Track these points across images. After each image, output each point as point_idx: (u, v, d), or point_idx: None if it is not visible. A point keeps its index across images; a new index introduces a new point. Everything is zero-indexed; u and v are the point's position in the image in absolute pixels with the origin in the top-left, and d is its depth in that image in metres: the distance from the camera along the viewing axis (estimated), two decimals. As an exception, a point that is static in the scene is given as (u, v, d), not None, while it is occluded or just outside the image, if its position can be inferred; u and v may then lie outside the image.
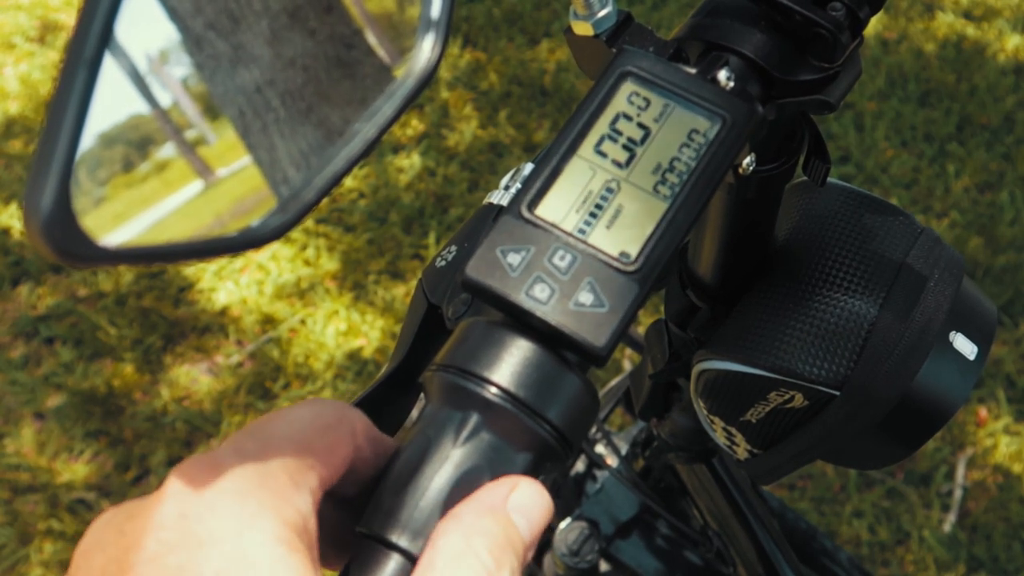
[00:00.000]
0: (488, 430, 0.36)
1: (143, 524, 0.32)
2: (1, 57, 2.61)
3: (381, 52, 0.42)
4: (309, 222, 2.13)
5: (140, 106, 0.35)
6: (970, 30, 2.45)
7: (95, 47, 0.29)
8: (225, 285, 2.05)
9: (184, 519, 0.31)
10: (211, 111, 0.39)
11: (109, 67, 0.31)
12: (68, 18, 2.68)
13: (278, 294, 2.03)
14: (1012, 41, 2.42)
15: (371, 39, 0.43)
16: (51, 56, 2.62)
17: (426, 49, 0.38)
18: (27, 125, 2.42)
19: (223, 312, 2.01)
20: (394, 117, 0.37)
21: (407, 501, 0.35)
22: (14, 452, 1.83)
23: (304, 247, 2.10)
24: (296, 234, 2.12)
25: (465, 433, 0.36)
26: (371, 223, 2.13)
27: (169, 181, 0.37)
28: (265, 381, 1.90)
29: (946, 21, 2.47)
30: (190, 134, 0.38)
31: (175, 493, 0.32)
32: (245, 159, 0.39)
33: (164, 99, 0.36)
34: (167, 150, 0.37)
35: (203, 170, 0.38)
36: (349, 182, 2.21)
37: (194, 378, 1.93)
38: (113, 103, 0.33)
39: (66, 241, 0.29)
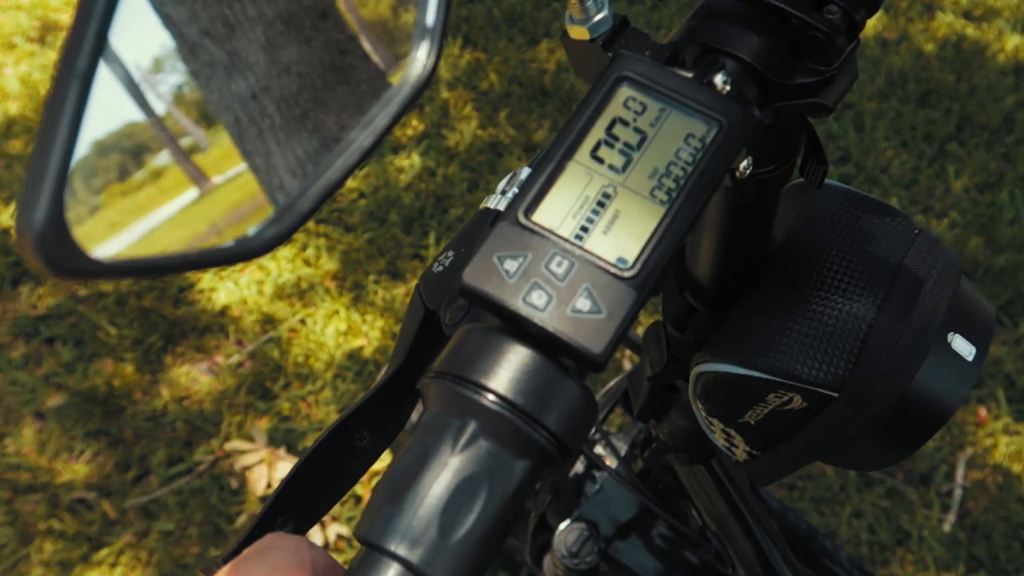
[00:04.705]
0: (486, 437, 0.36)
1: None
2: (1, 57, 2.61)
3: (376, 58, 0.42)
4: (309, 222, 2.13)
5: (135, 114, 0.35)
6: (970, 30, 2.45)
7: (88, 60, 0.29)
8: (225, 285, 2.05)
9: None
10: (206, 118, 0.38)
11: (104, 75, 0.31)
12: (68, 18, 2.68)
13: (278, 294, 2.03)
14: (1012, 41, 2.42)
15: (366, 45, 0.43)
16: (51, 56, 2.62)
17: (421, 57, 0.38)
18: (27, 125, 2.42)
19: (223, 312, 2.01)
20: (390, 125, 0.37)
21: (405, 509, 0.35)
22: (14, 452, 1.83)
23: (304, 247, 2.10)
24: (296, 234, 2.12)
25: (463, 441, 0.36)
26: (371, 223, 2.13)
27: (165, 189, 0.36)
28: (265, 381, 1.90)
29: (946, 21, 2.47)
30: (185, 141, 0.38)
31: None
32: (241, 166, 0.39)
33: (159, 107, 0.36)
34: (162, 158, 0.37)
35: (198, 177, 0.38)
36: (349, 182, 2.20)
37: (194, 378, 1.93)
38: (108, 111, 0.33)
39: (60, 256, 0.29)
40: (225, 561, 0.47)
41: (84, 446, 1.84)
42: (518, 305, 0.37)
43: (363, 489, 1.73)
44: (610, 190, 0.40)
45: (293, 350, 1.94)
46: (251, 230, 0.36)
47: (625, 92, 0.42)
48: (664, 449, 0.87)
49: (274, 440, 1.81)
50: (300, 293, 2.03)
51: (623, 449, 1.05)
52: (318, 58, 0.41)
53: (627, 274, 0.38)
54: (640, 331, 1.26)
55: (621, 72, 0.42)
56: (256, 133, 0.39)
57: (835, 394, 0.54)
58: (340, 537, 1.70)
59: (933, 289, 0.55)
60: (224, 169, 0.38)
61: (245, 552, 0.38)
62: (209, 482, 1.77)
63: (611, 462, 1.03)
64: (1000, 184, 2.13)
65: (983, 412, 1.79)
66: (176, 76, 0.37)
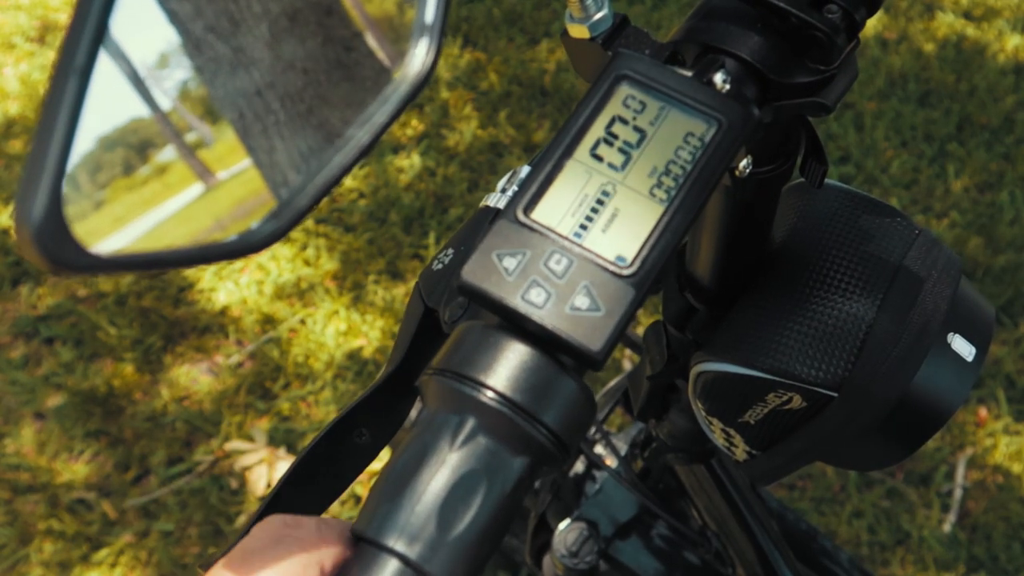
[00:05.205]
0: (484, 434, 0.36)
1: None
2: (1, 57, 2.61)
3: (381, 54, 0.42)
4: (309, 222, 2.13)
5: (140, 109, 0.35)
6: (970, 30, 2.45)
7: (86, 55, 0.29)
8: (225, 285, 2.05)
9: None
10: (211, 114, 0.39)
11: (109, 70, 0.31)
12: (68, 18, 2.67)
13: (278, 294, 2.03)
14: (1012, 41, 2.42)
15: (371, 41, 0.43)
16: (51, 56, 2.62)
17: (420, 54, 0.38)
18: (27, 125, 2.43)
19: (223, 312, 2.01)
20: (388, 123, 0.37)
21: (404, 506, 0.35)
22: (14, 452, 1.83)
23: (304, 247, 2.10)
24: (296, 234, 2.12)
25: (461, 437, 0.36)
26: (371, 223, 2.13)
27: (169, 184, 0.37)
28: (265, 381, 1.90)
29: (946, 21, 2.47)
30: (190, 137, 0.38)
31: None
32: (245, 162, 0.39)
33: (164, 102, 0.36)
34: (167, 153, 0.37)
35: (203, 173, 0.38)
36: (349, 182, 2.21)
37: (194, 378, 1.93)
38: (113, 106, 0.33)
39: (58, 251, 0.29)
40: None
41: (84, 446, 1.84)
42: (517, 302, 0.37)
43: (362, 487, 1.73)
44: (609, 188, 0.40)
45: (293, 350, 1.94)
46: (254, 225, 0.36)
47: (625, 90, 0.42)
48: (664, 449, 0.87)
49: (274, 440, 1.81)
50: (300, 293, 2.03)
51: (623, 449, 1.05)
52: (323, 54, 0.41)
53: (626, 272, 0.38)
54: (640, 330, 1.26)
55: (621, 70, 0.42)
56: (260, 129, 0.39)
57: (835, 394, 0.54)
58: (340, 537, 1.70)
59: (933, 289, 0.55)
60: (229, 164, 0.39)
61: (248, 542, 0.38)
62: (209, 482, 1.77)
63: (611, 462, 1.03)
64: (1000, 184, 2.13)
65: (983, 412, 1.79)
66: (181, 72, 0.37)
